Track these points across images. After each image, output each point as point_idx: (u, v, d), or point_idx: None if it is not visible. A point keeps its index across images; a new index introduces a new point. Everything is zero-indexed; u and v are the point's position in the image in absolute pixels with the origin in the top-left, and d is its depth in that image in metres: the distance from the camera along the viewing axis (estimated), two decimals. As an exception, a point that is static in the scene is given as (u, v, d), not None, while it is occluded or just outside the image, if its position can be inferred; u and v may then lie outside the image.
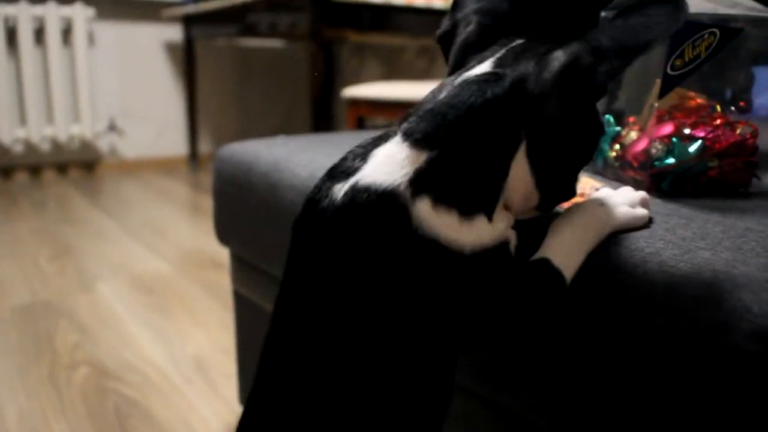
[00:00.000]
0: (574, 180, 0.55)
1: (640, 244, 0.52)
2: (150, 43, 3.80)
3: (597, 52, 0.46)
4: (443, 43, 0.58)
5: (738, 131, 0.67)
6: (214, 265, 2.08)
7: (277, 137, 1.07)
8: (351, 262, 0.47)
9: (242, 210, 0.98)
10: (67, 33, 3.46)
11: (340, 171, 0.50)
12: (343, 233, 0.47)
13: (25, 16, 3.28)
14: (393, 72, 3.74)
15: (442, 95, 0.50)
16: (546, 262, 0.51)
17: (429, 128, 0.48)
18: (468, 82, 0.49)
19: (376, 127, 2.64)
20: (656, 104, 0.67)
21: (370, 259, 0.46)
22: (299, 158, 0.90)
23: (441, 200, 0.46)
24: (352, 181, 0.48)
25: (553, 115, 0.48)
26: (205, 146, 4.06)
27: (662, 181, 0.66)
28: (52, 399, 1.26)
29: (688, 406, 0.45)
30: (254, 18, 2.90)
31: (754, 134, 0.67)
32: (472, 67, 0.51)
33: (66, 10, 3.40)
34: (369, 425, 0.48)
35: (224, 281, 1.92)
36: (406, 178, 0.46)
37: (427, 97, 0.52)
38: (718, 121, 0.67)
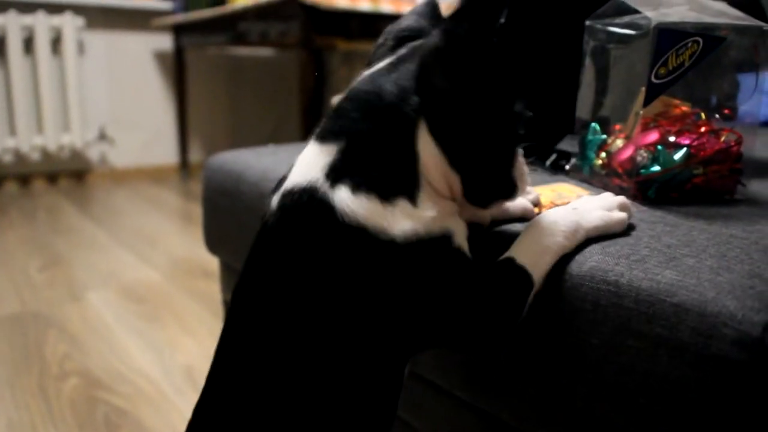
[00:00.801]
0: (504, 167, 0.54)
1: (625, 251, 0.52)
2: (140, 52, 3.80)
3: (462, 25, 0.49)
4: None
5: (723, 138, 0.68)
6: (204, 274, 2.08)
7: (267, 146, 1.07)
8: (287, 262, 0.49)
9: (231, 219, 0.98)
10: (56, 42, 3.45)
11: (277, 185, 0.54)
12: (277, 236, 0.51)
13: (14, 26, 3.27)
14: (383, 80, 3.74)
15: (346, 93, 0.54)
16: (509, 261, 0.52)
17: (333, 125, 0.52)
18: (366, 78, 0.53)
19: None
20: (641, 112, 0.68)
21: (303, 256, 0.49)
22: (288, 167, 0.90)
23: (359, 185, 0.48)
24: (281, 189, 0.52)
25: (441, 89, 0.49)
26: (195, 155, 4.05)
27: (648, 189, 0.67)
28: (41, 409, 1.25)
29: (672, 413, 0.45)
30: (244, 26, 2.90)
31: (739, 141, 0.68)
32: (374, 65, 0.55)
33: (55, 20, 3.39)
34: (312, 419, 0.50)
35: (215, 290, 1.91)
36: (322, 171, 0.49)
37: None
38: (703, 129, 0.68)
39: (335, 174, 0.48)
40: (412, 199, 0.48)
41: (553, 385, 0.54)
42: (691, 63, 0.65)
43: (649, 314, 0.47)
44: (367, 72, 0.54)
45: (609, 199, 0.58)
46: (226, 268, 1.08)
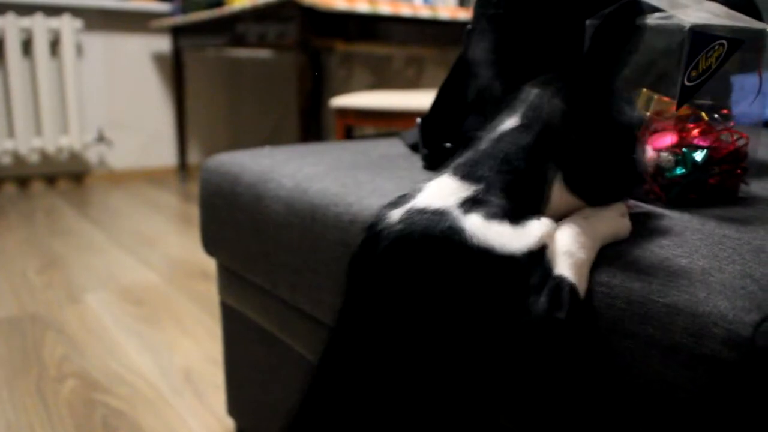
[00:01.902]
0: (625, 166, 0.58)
1: (617, 252, 0.52)
2: (138, 54, 3.80)
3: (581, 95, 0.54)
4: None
5: (736, 138, 0.69)
6: (203, 276, 2.08)
7: (264, 148, 1.07)
8: (409, 271, 0.50)
9: (228, 220, 0.98)
10: (55, 44, 3.46)
11: (396, 201, 0.56)
12: (400, 247, 0.51)
13: (12, 28, 3.28)
14: (382, 81, 3.75)
15: (483, 147, 0.56)
16: (561, 279, 0.50)
17: (474, 169, 0.54)
18: (503, 135, 0.56)
19: (365, 137, 2.65)
20: (647, 113, 0.68)
21: (427, 267, 0.49)
22: (285, 169, 0.91)
23: (491, 215, 0.50)
24: (407, 206, 0.53)
25: (579, 141, 0.53)
26: (194, 157, 4.05)
27: (671, 191, 0.67)
28: (39, 412, 1.25)
29: (665, 413, 0.46)
30: (243, 28, 2.90)
31: (746, 142, 0.69)
32: (503, 121, 0.57)
33: (54, 22, 3.40)
34: None
35: (213, 292, 1.91)
36: (457, 201, 0.52)
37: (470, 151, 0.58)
38: (718, 131, 0.68)
39: (469, 205, 0.51)
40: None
41: (545, 386, 0.54)
42: (717, 65, 0.66)
43: (641, 315, 0.47)
44: (500, 127, 0.57)
45: (616, 205, 0.58)
46: (223, 270, 1.09)
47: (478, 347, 0.49)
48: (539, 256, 0.50)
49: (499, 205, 0.51)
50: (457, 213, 0.50)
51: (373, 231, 0.54)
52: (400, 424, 0.50)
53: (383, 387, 0.50)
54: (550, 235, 0.51)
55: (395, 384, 0.50)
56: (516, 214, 0.51)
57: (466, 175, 0.54)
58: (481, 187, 0.52)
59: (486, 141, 0.57)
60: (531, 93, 0.58)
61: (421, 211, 0.52)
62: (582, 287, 0.51)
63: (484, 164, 0.54)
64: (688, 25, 0.63)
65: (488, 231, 0.49)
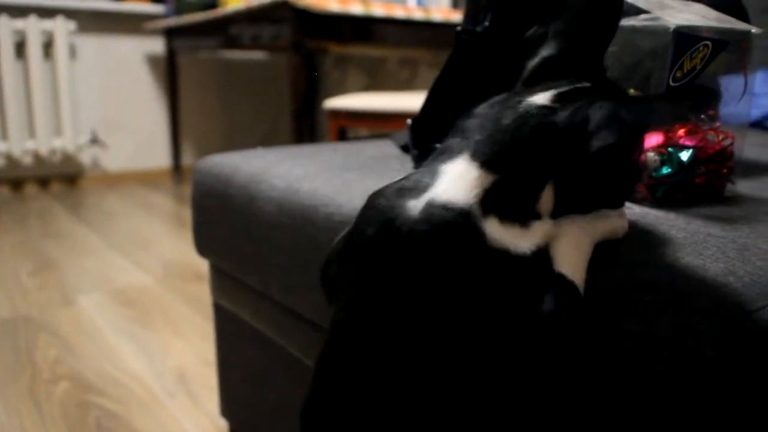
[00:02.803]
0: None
1: (602, 250, 0.53)
2: (132, 55, 3.80)
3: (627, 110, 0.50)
4: (475, 38, 0.60)
5: (721, 138, 0.69)
6: (196, 278, 2.08)
7: (256, 149, 1.08)
8: (432, 271, 0.49)
9: (221, 222, 0.99)
10: (48, 46, 3.46)
11: (408, 188, 0.52)
12: (423, 245, 0.49)
13: (5, 30, 3.27)
14: (376, 83, 3.75)
15: (505, 120, 0.52)
16: (561, 277, 0.51)
17: (495, 151, 0.51)
18: (530, 112, 0.52)
19: (358, 138, 2.65)
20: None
21: (451, 268, 0.48)
22: (277, 170, 0.91)
23: (504, 218, 0.49)
24: (426, 197, 0.50)
25: (589, 153, 0.50)
26: (188, 158, 4.05)
27: (657, 191, 0.68)
28: (32, 414, 1.25)
29: (651, 409, 0.46)
30: (236, 30, 2.90)
31: (732, 142, 0.70)
32: (532, 96, 0.54)
33: (47, 24, 3.39)
34: None
35: (206, 293, 1.91)
36: (477, 198, 0.49)
37: (488, 112, 0.55)
38: (704, 131, 0.69)
39: (487, 204, 0.50)
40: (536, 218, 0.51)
41: (531, 385, 0.54)
42: (702, 67, 0.66)
43: (626, 312, 0.48)
44: (526, 101, 0.54)
45: None
46: (215, 271, 1.09)
47: (493, 345, 0.49)
48: (543, 255, 0.50)
49: (515, 200, 0.50)
50: (478, 213, 0.49)
51: (390, 225, 0.51)
52: (415, 418, 0.49)
53: (397, 388, 0.49)
54: (551, 235, 0.51)
55: (409, 385, 0.49)
56: (525, 210, 0.50)
57: (485, 161, 0.51)
58: (499, 177, 0.50)
59: (509, 113, 0.53)
60: (562, 81, 0.55)
61: (444, 207, 0.49)
62: (580, 285, 0.51)
63: (504, 148, 0.51)
64: (672, 27, 0.64)
65: (505, 233, 0.49)
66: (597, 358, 0.49)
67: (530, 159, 0.51)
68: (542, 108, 0.52)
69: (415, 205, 0.50)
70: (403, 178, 0.54)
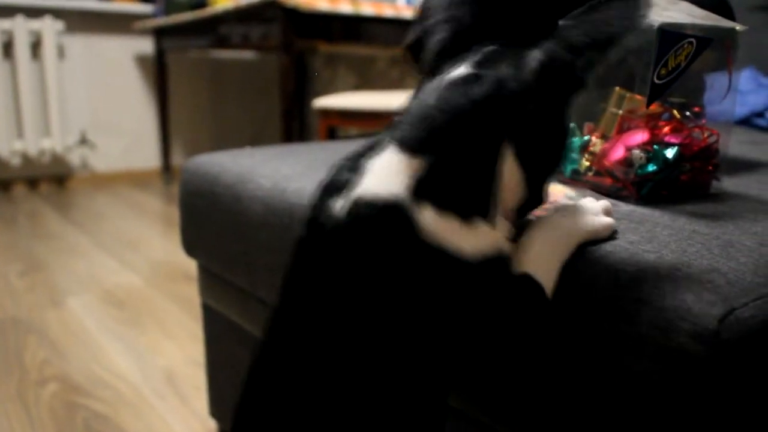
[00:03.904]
0: (546, 184, 0.55)
1: (587, 248, 0.53)
2: (121, 55, 3.78)
3: (572, 48, 0.48)
4: (413, 51, 0.59)
5: (706, 135, 0.70)
6: (185, 278, 2.07)
7: (244, 149, 1.07)
8: (359, 275, 0.46)
9: (208, 221, 0.98)
10: (36, 46, 3.43)
11: (334, 187, 0.50)
12: (348, 248, 0.47)
13: (-8, 30, 3.25)
14: (366, 82, 3.75)
15: (428, 100, 0.50)
16: (528, 278, 0.50)
17: (422, 134, 0.48)
18: (452, 84, 0.49)
19: (347, 138, 2.65)
20: (620, 112, 0.69)
21: (381, 271, 0.46)
22: (264, 169, 0.91)
23: (442, 206, 0.46)
24: (352, 196, 0.48)
25: (536, 114, 0.49)
26: (178, 159, 4.04)
27: (642, 188, 0.68)
28: (20, 416, 1.25)
29: (635, 405, 0.46)
30: (226, 30, 2.90)
31: (717, 139, 0.70)
32: (450, 70, 0.51)
33: (35, 24, 3.37)
34: None
35: (195, 294, 1.91)
36: (408, 188, 0.46)
37: (411, 103, 0.52)
38: (690, 128, 0.69)
39: (420, 191, 0.46)
40: (487, 219, 0.48)
41: (516, 383, 0.54)
42: (686, 64, 0.66)
43: (611, 309, 0.48)
44: (447, 76, 0.51)
45: (594, 204, 0.57)
46: (203, 271, 1.08)
47: (423, 345, 0.47)
48: (494, 259, 0.48)
49: (450, 189, 0.47)
50: (407, 203, 0.46)
51: (314, 223, 0.49)
52: (338, 408, 0.47)
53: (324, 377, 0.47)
54: (503, 240, 0.49)
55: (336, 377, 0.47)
56: (467, 203, 0.47)
57: (412, 147, 0.48)
58: (431, 160, 0.47)
59: (430, 92, 0.51)
60: (487, 46, 0.52)
61: (369, 204, 0.47)
62: (549, 286, 0.51)
63: (430, 127, 0.48)
64: (657, 24, 0.64)
65: (444, 227, 0.46)
66: (581, 357, 0.50)
67: (462, 134, 0.47)
68: (462, 78, 0.49)
69: (339, 205, 0.48)
70: (333, 173, 0.52)
